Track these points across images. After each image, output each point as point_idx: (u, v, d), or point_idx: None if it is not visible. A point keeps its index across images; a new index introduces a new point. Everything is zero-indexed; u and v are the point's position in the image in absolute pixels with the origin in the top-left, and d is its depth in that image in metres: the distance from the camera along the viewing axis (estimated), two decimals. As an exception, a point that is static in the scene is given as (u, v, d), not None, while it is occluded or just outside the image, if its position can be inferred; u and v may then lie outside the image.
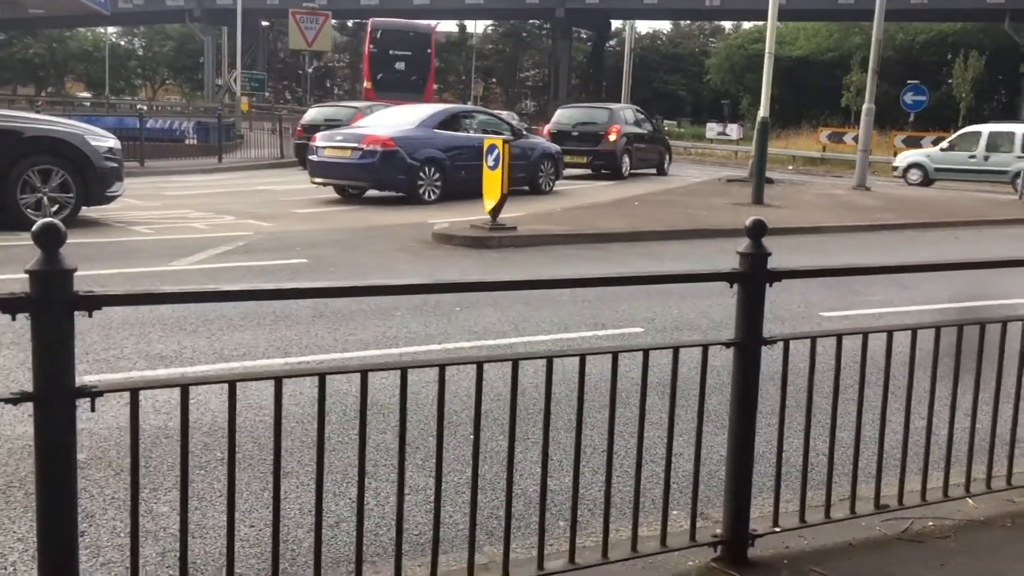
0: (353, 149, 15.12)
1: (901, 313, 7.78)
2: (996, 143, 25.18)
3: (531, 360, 3.15)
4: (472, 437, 2.85)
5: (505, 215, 11.67)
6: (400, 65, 34.99)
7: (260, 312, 6.80)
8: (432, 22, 45.75)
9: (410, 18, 54.00)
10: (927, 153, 27.21)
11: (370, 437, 4.44)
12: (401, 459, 2.73)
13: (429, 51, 36.27)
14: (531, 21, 68.30)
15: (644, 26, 69.63)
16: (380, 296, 7.53)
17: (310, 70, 34.81)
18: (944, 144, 26.75)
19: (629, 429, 4.20)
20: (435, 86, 41.70)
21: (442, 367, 2.76)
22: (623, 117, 23.18)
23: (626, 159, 22.70)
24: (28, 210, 10.72)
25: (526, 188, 17.48)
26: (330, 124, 21.86)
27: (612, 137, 22.28)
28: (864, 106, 21.82)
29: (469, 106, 24.90)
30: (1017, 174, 22.32)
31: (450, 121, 16.43)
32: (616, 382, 3.04)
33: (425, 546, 3.33)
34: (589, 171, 22.79)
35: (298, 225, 12.45)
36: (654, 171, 24.86)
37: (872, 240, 13.41)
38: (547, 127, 24.05)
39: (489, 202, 11.12)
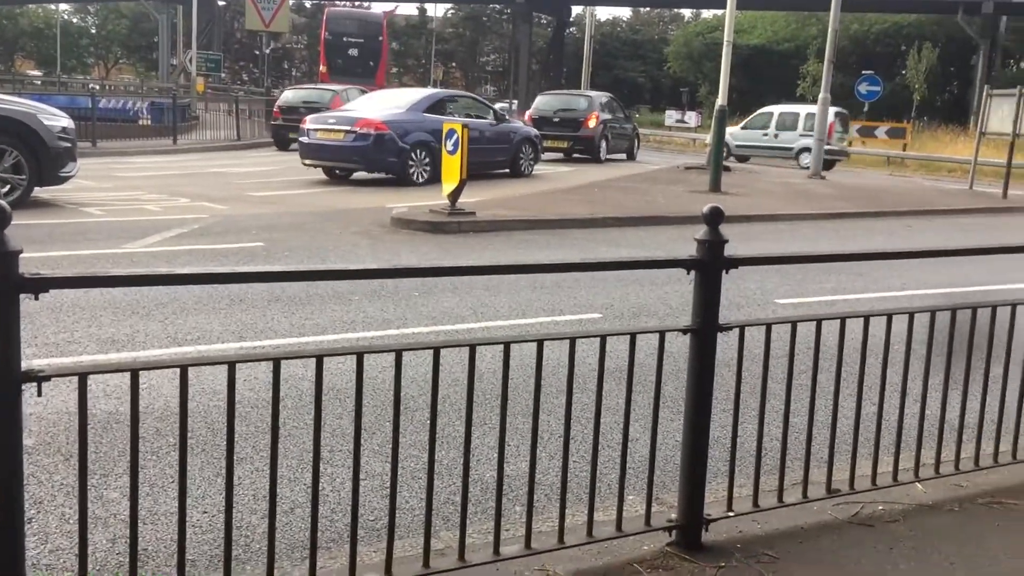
0: (346, 132, 15.49)
1: (853, 300, 7.90)
2: (785, 122, 27.68)
3: (489, 346, 3.14)
4: (429, 423, 2.84)
5: (467, 199, 11.64)
6: (354, 51, 37.25)
7: (215, 295, 6.71)
8: (392, 5, 46.69)
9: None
10: (731, 132, 28.95)
11: (326, 422, 4.42)
12: (356, 444, 2.71)
13: (381, 38, 38.39)
14: (492, 5, 68.03)
15: (604, 12, 69.67)
16: (337, 280, 7.51)
17: (267, 51, 34.33)
18: (743, 123, 29.46)
19: (587, 415, 4.22)
20: (394, 69, 42.57)
21: (398, 352, 2.74)
22: (601, 105, 24.05)
23: (603, 144, 23.62)
24: (-23, 191, 10.47)
25: (507, 171, 18.05)
26: (309, 106, 22.61)
27: (592, 123, 23.19)
28: (820, 96, 22.06)
29: (454, 91, 26.02)
30: (800, 151, 26.22)
31: (437, 105, 16.82)
32: (573, 368, 3.04)
33: (381, 532, 3.32)
34: (566, 156, 23.42)
35: (255, 208, 12.30)
36: (624, 156, 25.53)
37: (827, 228, 13.58)
38: (528, 113, 24.75)
39: (448, 187, 11.07)
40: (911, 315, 3.66)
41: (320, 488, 2.73)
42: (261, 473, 3.82)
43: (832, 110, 27.03)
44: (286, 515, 3.50)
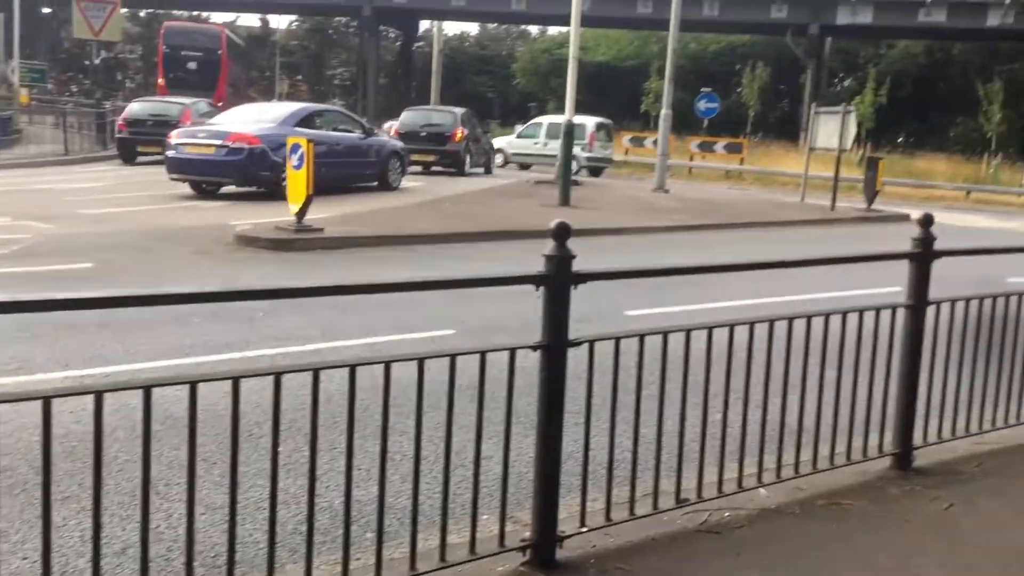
0: (218, 146, 15.35)
1: (698, 310, 8.13)
2: (553, 132, 28.57)
3: (336, 369, 3.02)
4: (280, 451, 2.70)
5: (319, 215, 11.37)
6: (192, 65, 37.47)
7: (39, 321, 6.24)
8: (231, 15, 45.87)
9: (208, 9, 53.03)
10: (507, 140, 32.08)
11: (163, 454, 4.16)
12: (191, 476, 2.54)
13: (220, 52, 38.46)
14: (338, 18, 67.22)
15: (452, 27, 70.07)
16: (169, 305, 7.15)
17: (97, 61, 32.60)
18: (518, 132, 32.01)
19: (440, 434, 4.14)
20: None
21: (235, 380, 2.59)
22: (464, 120, 24.72)
23: (467, 158, 24.39)
24: None
25: (375, 184, 18.09)
26: (158, 119, 22.53)
27: (459, 137, 23.89)
28: (662, 112, 22.81)
29: (323, 105, 25.53)
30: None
31: (307, 119, 16.79)
32: (423, 388, 2.96)
33: (222, 568, 3.13)
34: (426, 169, 23.36)
35: (85, 227, 11.62)
36: (482, 171, 25.83)
37: (671, 240, 14.01)
38: (395, 126, 24.97)
39: (294, 203, 10.78)
40: (751, 325, 3.77)
41: (155, 525, 2.54)
42: (88, 512, 3.55)
43: (593, 120, 30.03)
44: (117, 556, 3.26)
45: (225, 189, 16.27)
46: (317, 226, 11.12)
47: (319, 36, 72.13)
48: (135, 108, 24.56)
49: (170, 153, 15.91)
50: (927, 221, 4.28)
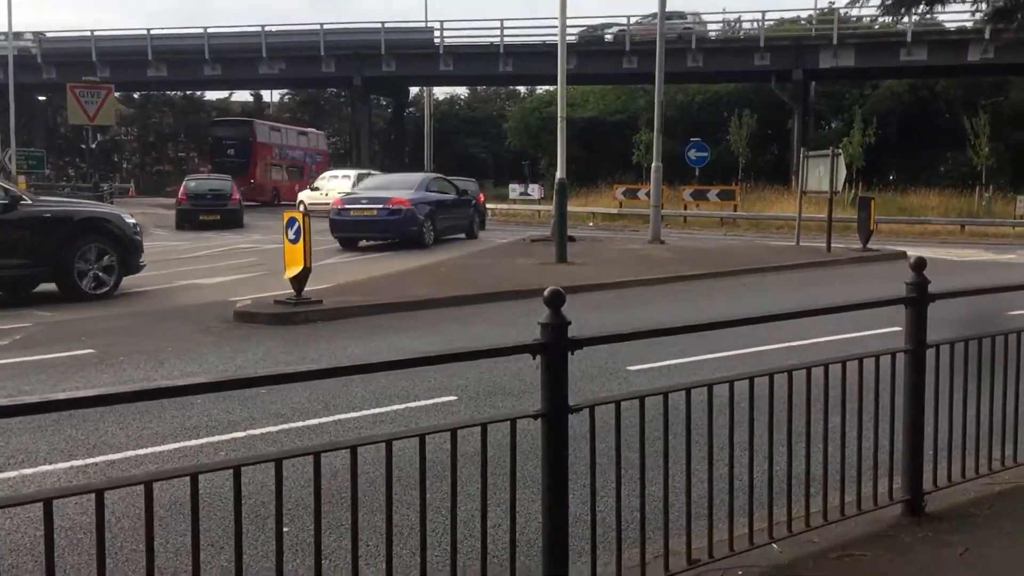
0: (379, 209, 20.66)
1: (698, 362, 8.12)
2: (359, 181, 30.49)
3: (335, 451, 3.02)
4: (287, 531, 2.69)
5: (311, 287, 11.41)
6: (231, 151, 46.87)
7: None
8: (224, 93, 50.62)
9: (201, 88, 56.48)
10: (307, 193, 36.31)
11: (168, 541, 4.14)
12: (195, 566, 2.53)
13: (251, 139, 47.18)
14: (329, 89, 68.17)
15: (442, 91, 71.02)
16: (171, 397, 7.15)
17: (93, 145, 33.03)
18: (310, 185, 37.87)
19: (448, 504, 4.12)
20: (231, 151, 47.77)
21: (237, 468, 2.60)
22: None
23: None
24: None
25: (463, 236, 24.00)
26: (215, 193, 30.03)
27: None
28: (653, 164, 23.02)
29: (436, 174, 28.23)
30: None
31: (430, 184, 22.93)
32: (425, 463, 2.96)
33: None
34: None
35: (85, 312, 11.65)
36: (463, 236, 24.52)
37: (670, 292, 14.04)
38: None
39: (292, 275, 10.83)
40: (751, 379, 3.77)
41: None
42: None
43: (354, 173, 34.38)
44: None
45: (362, 244, 21.25)
46: (316, 298, 11.16)
47: (311, 107, 73.08)
48: (191, 185, 30.67)
49: (336, 217, 20.82)
50: (919, 265, 4.30)
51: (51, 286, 12.61)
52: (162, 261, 17.81)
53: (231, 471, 2.62)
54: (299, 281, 10.80)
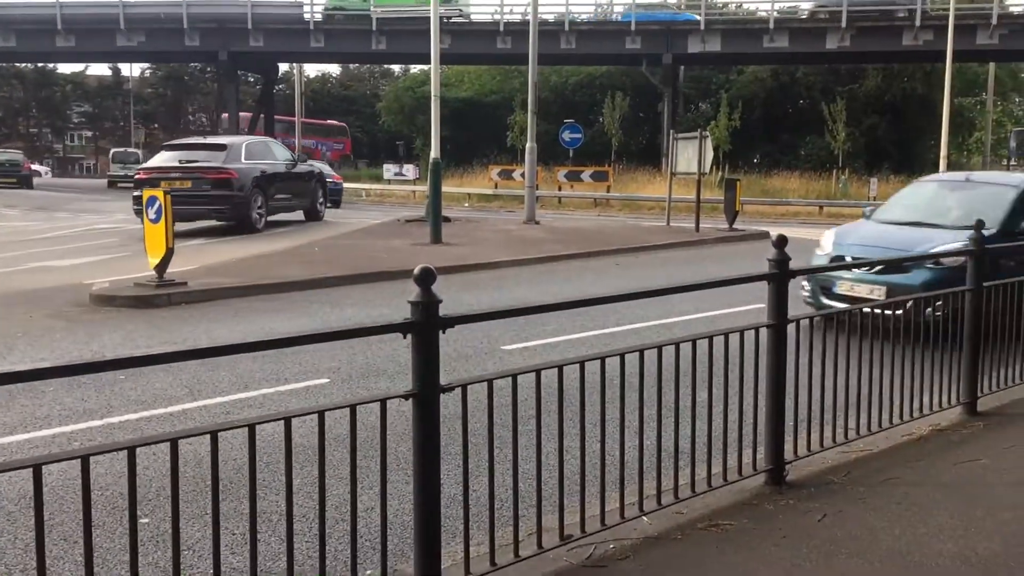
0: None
1: (573, 340, 8.20)
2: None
3: (195, 437, 2.88)
4: (146, 522, 2.55)
5: (175, 268, 10.96)
6: None
7: None
8: (80, 66, 47.50)
9: (53, 60, 52.90)
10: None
11: (17, 536, 3.90)
12: (40, 562, 2.38)
13: None
14: (193, 64, 65.67)
15: (313, 69, 69.49)
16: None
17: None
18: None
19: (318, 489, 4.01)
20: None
21: (84, 458, 2.44)
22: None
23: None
24: None
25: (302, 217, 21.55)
26: (11, 163, 41.60)
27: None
28: (527, 145, 23.11)
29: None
30: None
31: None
32: (291, 449, 2.86)
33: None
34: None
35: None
36: (302, 217, 21.55)
37: (544, 271, 14.13)
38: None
39: (154, 258, 10.37)
40: (622, 356, 3.80)
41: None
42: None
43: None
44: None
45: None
46: (180, 280, 10.72)
47: (175, 83, 70.31)
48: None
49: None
50: (781, 242, 4.43)
51: None
52: (9, 243, 16.86)
53: (78, 461, 2.45)
54: (162, 262, 10.35)
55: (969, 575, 3.51)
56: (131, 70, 69.62)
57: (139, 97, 69.51)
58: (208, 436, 2.72)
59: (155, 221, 10.19)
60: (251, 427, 2.77)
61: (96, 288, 10.58)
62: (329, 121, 59.20)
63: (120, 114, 67.47)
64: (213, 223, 18.45)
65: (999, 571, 3.54)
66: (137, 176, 18.77)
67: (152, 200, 10.22)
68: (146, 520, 4.13)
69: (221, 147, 18.55)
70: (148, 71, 71.07)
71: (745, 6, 50.15)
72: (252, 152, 19.06)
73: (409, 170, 40.55)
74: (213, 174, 17.23)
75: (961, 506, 4.22)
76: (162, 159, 18.89)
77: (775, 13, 40.59)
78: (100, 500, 4.16)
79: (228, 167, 17.76)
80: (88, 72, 69.82)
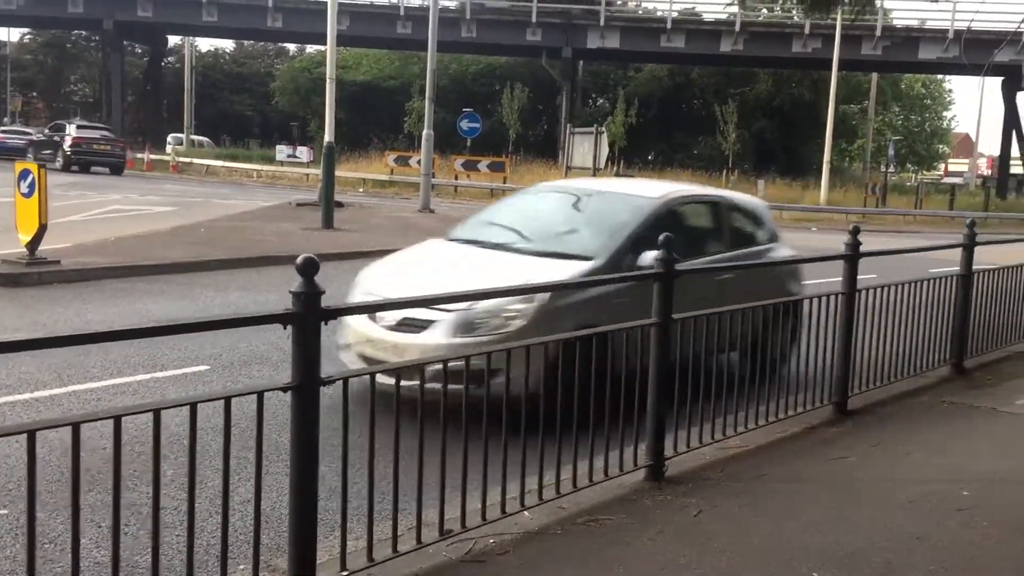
0: None
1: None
2: None
3: (58, 428, 2.73)
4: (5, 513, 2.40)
5: (51, 246, 10.45)
6: None
7: None
8: None
9: None
10: None
11: None
12: None
13: None
14: (77, 32, 62.76)
15: (206, 44, 67.38)
16: None
17: None
18: None
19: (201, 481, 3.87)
20: None
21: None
22: None
23: None
24: None
25: None
26: None
27: None
28: (424, 132, 22.96)
29: None
30: None
31: None
32: (160, 442, 2.75)
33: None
34: None
35: None
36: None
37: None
38: None
39: (24, 235, 9.86)
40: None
41: None
42: None
43: None
44: None
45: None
46: (53, 258, 10.23)
47: (56, 50, 67.03)
48: None
49: None
50: (667, 243, 4.49)
51: None
52: None
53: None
54: (33, 239, 9.85)
55: (834, 568, 3.64)
56: (9, 34, 66.08)
57: (17, 63, 66.04)
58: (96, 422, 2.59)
59: (27, 195, 9.68)
60: (117, 419, 2.64)
61: (-40, 264, 10.00)
62: None
63: (-5, 80, 63.97)
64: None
65: (862, 565, 3.68)
66: None
67: (25, 173, 9.71)
68: (5, 511, 3.92)
69: None
70: (28, 37, 67.58)
71: (645, 5, 51.01)
72: None
73: (303, 152, 39.78)
74: None
75: (830, 502, 4.38)
76: None
77: (673, 14, 41.40)
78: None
79: None
80: (-39, 35, 66.02)
